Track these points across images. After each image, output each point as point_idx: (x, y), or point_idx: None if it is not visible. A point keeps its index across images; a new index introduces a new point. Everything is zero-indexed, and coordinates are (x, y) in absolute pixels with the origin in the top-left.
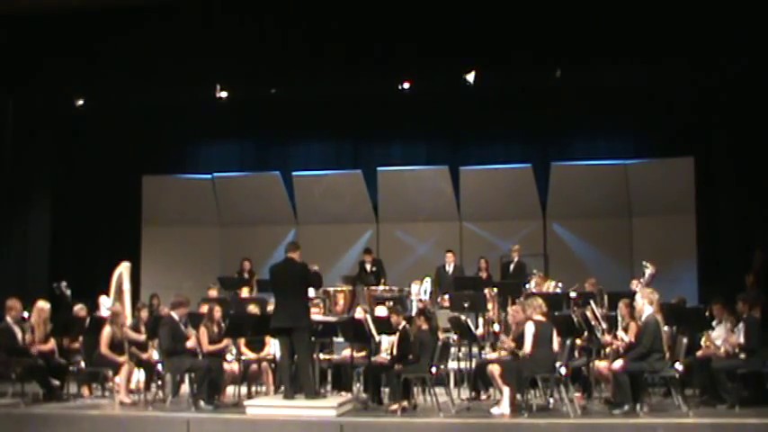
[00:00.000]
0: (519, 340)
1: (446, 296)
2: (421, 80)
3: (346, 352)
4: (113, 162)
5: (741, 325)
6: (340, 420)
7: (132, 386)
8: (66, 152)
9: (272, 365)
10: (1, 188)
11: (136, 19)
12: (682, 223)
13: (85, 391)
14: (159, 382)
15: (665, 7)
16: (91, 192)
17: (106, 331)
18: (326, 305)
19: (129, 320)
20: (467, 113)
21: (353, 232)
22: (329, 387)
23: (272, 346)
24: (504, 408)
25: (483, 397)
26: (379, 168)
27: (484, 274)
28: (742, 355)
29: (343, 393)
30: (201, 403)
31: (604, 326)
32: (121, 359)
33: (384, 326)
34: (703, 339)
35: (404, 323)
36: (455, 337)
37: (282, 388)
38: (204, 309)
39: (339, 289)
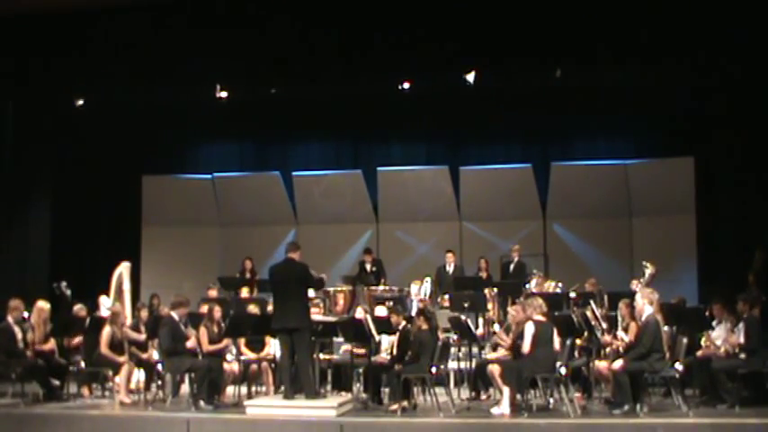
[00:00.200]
0: (519, 340)
1: (446, 296)
2: (421, 80)
3: (346, 346)
4: (113, 162)
5: (741, 325)
6: (340, 420)
7: (132, 386)
8: (66, 152)
9: (272, 365)
10: (1, 188)
11: (136, 19)
12: (682, 223)
13: (85, 391)
14: (159, 382)
15: (665, 7)
16: (91, 192)
17: (106, 331)
18: (326, 305)
19: (129, 320)
20: (467, 113)
21: (353, 232)
22: (329, 387)
23: (272, 346)
24: (504, 408)
25: (483, 397)
26: (379, 168)
27: (484, 274)
28: (742, 355)
29: (343, 393)
30: (201, 403)
31: (604, 326)
32: (121, 359)
33: (384, 326)
34: (703, 339)
35: (404, 323)
36: (455, 337)
37: (282, 388)
38: (204, 309)
39: (339, 289)
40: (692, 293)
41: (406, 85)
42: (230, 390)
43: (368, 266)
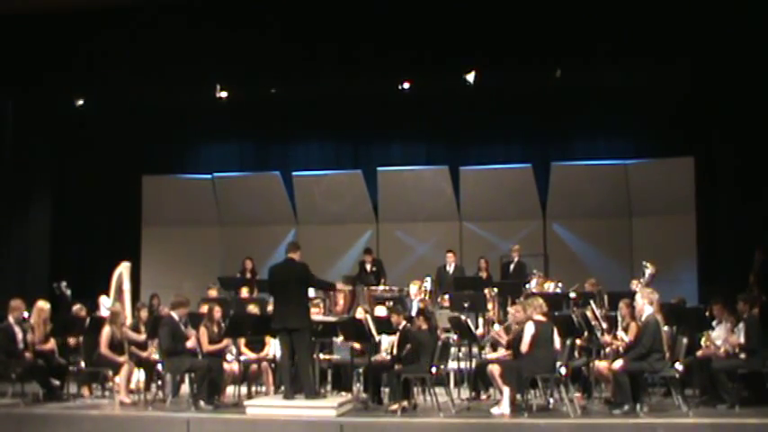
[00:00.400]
0: (519, 340)
1: (446, 296)
2: (421, 80)
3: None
4: (113, 162)
5: (741, 325)
6: (340, 420)
7: (132, 386)
8: (66, 152)
9: (272, 365)
10: (1, 188)
11: (136, 19)
12: (682, 223)
13: (85, 391)
14: (159, 382)
15: (665, 7)
16: (91, 192)
17: (106, 331)
18: (326, 305)
19: (129, 320)
20: (467, 113)
21: (353, 232)
22: (329, 387)
23: (272, 346)
24: (504, 408)
25: (483, 397)
26: (379, 168)
27: (484, 274)
28: (742, 355)
29: (343, 393)
30: (201, 403)
31: (604, 326)
32: (121, 359)
33: (384, 326)
34: (703, 339)
35: (404, 323)
36: (455, 337)
37: (282, 388)
38: (204, 309)
39: (339, 289)
40: (692, 293)
41: (406, 85)
42: (230, 390)
43: (368, 266)
